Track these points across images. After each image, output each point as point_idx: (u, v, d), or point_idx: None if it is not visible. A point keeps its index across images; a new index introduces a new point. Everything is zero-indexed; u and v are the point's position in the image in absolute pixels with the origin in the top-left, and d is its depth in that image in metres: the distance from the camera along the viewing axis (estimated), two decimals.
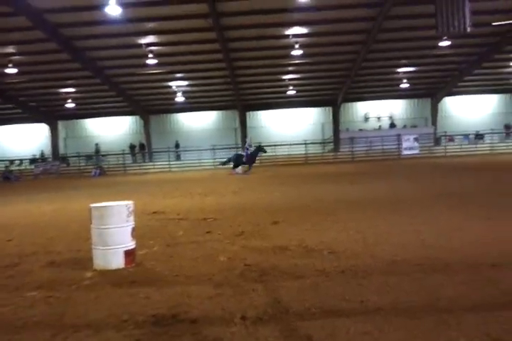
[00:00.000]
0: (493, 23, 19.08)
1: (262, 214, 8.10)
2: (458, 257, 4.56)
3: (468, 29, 14.71)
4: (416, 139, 31.66)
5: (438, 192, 10.26)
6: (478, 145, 32.26)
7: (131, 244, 4.90)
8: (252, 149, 22.32)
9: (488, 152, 30.63)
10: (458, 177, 14.04)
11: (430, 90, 33.44)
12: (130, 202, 4.98)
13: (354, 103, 34.46)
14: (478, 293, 3.51)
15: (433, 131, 33.36)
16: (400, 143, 31.65)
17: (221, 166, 23.87)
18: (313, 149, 33.59)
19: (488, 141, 32.98)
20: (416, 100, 34.51)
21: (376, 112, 34.37)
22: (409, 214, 7.32)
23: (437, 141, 33.45)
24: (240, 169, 22.64)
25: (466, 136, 33.66)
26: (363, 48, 25.02)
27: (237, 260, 4.92)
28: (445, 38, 22.66)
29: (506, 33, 24.03)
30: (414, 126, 33.64)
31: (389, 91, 33.18)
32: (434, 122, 33.93)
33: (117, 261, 4.77)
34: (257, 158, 32.41)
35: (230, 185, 15.54)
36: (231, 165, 22.68)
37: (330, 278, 4.13)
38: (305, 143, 32.95)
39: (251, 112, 34.71)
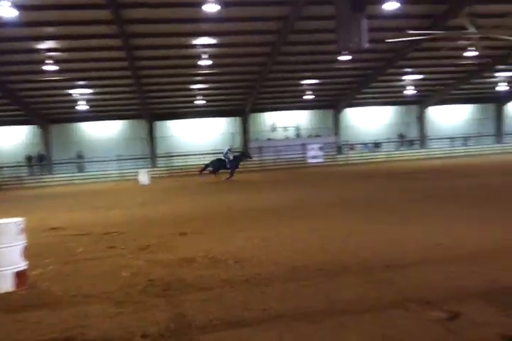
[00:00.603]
0: (387, 40, 20.58)
1: (169, 226, 7.94)
2: (355, 260, 4.80)
3: (366, 45, 15.67)
4: (320, 148, 33.12)
5: (339, 198, 10.78)
6: (376, 153, 34.54)
7: (21, 265, 4.52)
8: (230, 155, 21.49)
9: (384, 159, 32.91)
10: (357, 184, 14.88)
11: (332, 102, 35.21)
12: (20, 219, 4.60)
13: (262, 113, 35.22)
14: (373, 294, 3.71)
15: (336, 141, 35.11)
16: (305, 152, 32.89)
17: (201, 172, 21.81)
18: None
19: (385, 149, 35.43)
20: (320, 111, 36.12)
21: (283, 122, 35.46)
22: (312, 220, 7.59)
23: (340, 150, 35.26)
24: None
25: (365, 144, 35.89)
26: (269, 60, 25.75)
27: (140, 275, 4.75)
28: (345, 52, 24.02)
29: (399, 49, 26.11)
30: (319, 136, 35.17)
31: (294, 102, 34.39)
32: (336, 132, 35.74)
33: (6, 284, 4.37)
34: (167, 169, 31.98)
35: (137, 196, 15.06)
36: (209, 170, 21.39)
37: (234, 287, 4.13)
38: (215, 153, 32.99)
39: (159, 122, 34.02)
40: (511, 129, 36.65)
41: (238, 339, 3.00)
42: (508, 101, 36.90)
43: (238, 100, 33.06)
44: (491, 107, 37.74)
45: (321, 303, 3.55)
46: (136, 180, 23.66)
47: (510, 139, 36.14)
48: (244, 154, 22.59)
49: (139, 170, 24.87)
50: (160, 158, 33.60)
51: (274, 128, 35.14)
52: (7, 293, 4.31)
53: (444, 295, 3.53)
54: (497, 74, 32.06)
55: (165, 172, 31.00)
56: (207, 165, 21.80)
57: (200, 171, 21.75)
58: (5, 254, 4.40)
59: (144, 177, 23.34)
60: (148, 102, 31.36)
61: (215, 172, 21.22)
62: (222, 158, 21.60)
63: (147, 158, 33.30)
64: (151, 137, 33.72)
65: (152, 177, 23.85)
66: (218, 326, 3.24)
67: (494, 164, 21.14)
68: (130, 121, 34.09)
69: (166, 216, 9.44)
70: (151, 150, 33.62)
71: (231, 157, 21.55)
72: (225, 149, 22.27)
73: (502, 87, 33.65)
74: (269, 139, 34.73)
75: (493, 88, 34.28)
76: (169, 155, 33.18)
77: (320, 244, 5.72)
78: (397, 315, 3.21)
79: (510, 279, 3.82)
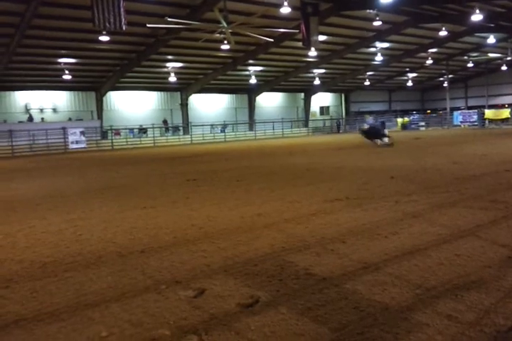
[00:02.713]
0: (148, 25, 20.54)
1: None
2: (111, 248, 4.68)
3: (124, 27, 15.33)
4: (82, 132, 31.21)
5: (101, 185, 10.37)
6: (142, 139, 34.52)
7: None
8: None
9: (151, 145, 33.19)
10: (121, 170, 14.60)
11: (95, 84, 33.49)
12: None
13: (12, 92, 31.13)
14: (125, 281, 3.66)
15: (99, 125, 33.65)
16: (66, 137, 30.54)
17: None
18: None
19: (151, 135, 35.73)
20: (81, 93, 34.00)
21: (39, 103, 32.09)
22: (70, 210, 7.08)
23: (104, 135, 33.95)
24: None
25: (131, 130, 35.47)
26: (17, 32, 22.77)
27: None
28: (104, 32, 22.96)
29: (160, 35, 26.37)
30: (80, 119, 33.13)
31: (51, 81, 31.40)
32: (99, 116, 34.26)
33: None
34: None
35: None
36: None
37: None
38: None
39: None
40: (260, 118, 41.52)
41: None
42: (258, 92, 41.55)
43: None
44: (244, 97, 41.92)
45: (68, 299, 3.33)
46: None
47: (259, 127, 40.92)
48: None
49: None
50: None
51: (28, 110, 31.50)
52: None
53: (194, 274, 3.74)
54: (249, 67, 35.64)
55: None
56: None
57: None
58: None
59: None
60: None
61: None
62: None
63: None
64: None
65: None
66: None
67: (250, 148, 23.59)
68: None
69: None
70: None
71: None
72: None
73: (253, 79, 37.60)
74: (21, 122, 30.99)
75: (247, 80, 38.03)
76: None
77: (75, 234, 5.38)
78: (148, 299, 3.25)
79: (249, 252, 4.29)
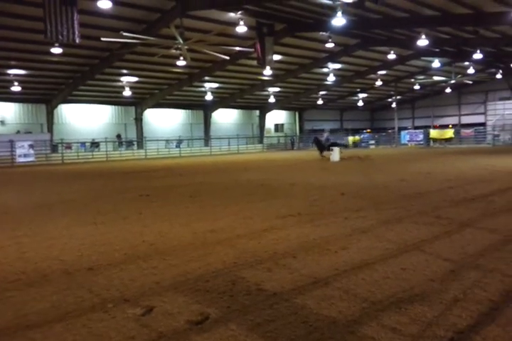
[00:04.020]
0: (103, 39, 20.30)
1: None
2: (57, 266, 4.51)
3: (77, 40, 15.08)
4: (31, 146, 30.11)
5: (49, 201, 10.01)
6: (94, 153, 33.68)
7: None
8: None
9: (104, 159, 32.43)
10: (71, 185, 14.16)
11: (45, 96, 32.54)
12: None
13: None
14: (70, 300, 3.54)
15: (49, 138, 32.59)
16: (13, 150, 29.35)
17: None
18: None
19: (103, 149, 34.93)
20: (31, 105, 32.92)
21: None
22: (13, 227, 6.79)
23: (54, 148, 32.90)
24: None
25: (82, 143, 34.57)
26: None
27: None
28: (57, 45, 22.49)
29: (115, 49, 26.08)
30: (29, 132, 32.00)
31: (0, 93, 30.35)
32: (50, 129, 33.22)
33: None
34: None
35: None
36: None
37: None
38: None
39: None
40: (216, 134, 41.60)
41: None
42: (214, 109, 41.70)
43: None
44: (200, 113, 41.93)
45: (8, 320, 3.18)
46: None
47: (215, 143, 40.95)
48: None
49: None
50: None
51: None
52: None
53: (143, 291, 3.67)
54: (205, 84, 35.77)
55: None
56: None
57: None
58: None
59: None
60: None
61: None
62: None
63: None
64: None
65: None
66: None
67: (205, 164, 23.50)
68: None
69: None
70: None
71: None
72: None
73: (209, 96, 37.72)
74: None
75: (203, 96, 38.10)
76: None
77: (19, 252, 5.16)
78: (94, 318, 3.15)
79: (201, 268, 4.26)
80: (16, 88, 29.38)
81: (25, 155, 29.41)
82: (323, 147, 24.71)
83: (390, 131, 47.34)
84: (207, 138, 41.41)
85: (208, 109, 41.40)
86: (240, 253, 4.74)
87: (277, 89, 40.36)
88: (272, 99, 42.44)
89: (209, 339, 2.79)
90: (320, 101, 46.49)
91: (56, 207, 8.88)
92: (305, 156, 27.61)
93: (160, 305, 3.31)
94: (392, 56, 30.52)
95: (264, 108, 45.62)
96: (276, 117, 48.64)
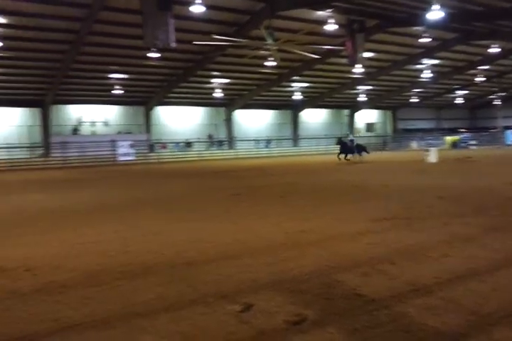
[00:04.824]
0: (195, 42, 21.17)
1: None
2: (158, 260, 4.77)
3: (173, 44, 15.83)
4: (131, 145, 32.30)
5: (147, 198, 10.64)
6: (187, 153, 35.27)
7: None
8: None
9: (196, 158, 33.83)
10: (167, 183, 14.95)
11: (143, 98, 34.70)
12: None
13: (66, 106, 32.67)
14: (172, 292, 3.72)
15: (147, 138, 34.69)
16: (115, 149, 31.67)
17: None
18: (19, 154, 30.20)
19: (196, 149, 36.45)
20: (130, 107, 35.26)
21: (90, 117, 33.50)
22: (117, 221, 7.30)
23: (151, 148, 34.96)
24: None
25: (176, 143, 36.36)
26: (72, 49, 24.00)
27: None
28: (154, 49, 23.84)
29: (207, 52, 27.09)
30: (129, 133, 34.29)
31: (103, 96, 32.81)
32: (147, 129, 35.35)
33: None
34: None
35: None
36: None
37: (23, 299, 3.70)
38: (9, 147, 29.36)
39: None
40: (304, 134, 41.49)
41: None
42: (302, 108, 41.62)
43: (37, 89, 30.00)
44: (288, 113, 42.09)
45: (118, 307, 3.42)
46: None
47: (303, 143, 40.87)
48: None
49: None
50: None
51: (80, 123, 32.91)
52: None
53: (240, 288, 3.75)
54: (293, 84, 35.85)
55: None
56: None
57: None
58: None
59: None
60: None
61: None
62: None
63: None
64: None
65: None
66: None
67: (294, 164, 23.60)
68: None
69: None
70: None
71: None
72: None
73: (297, 96, 37.74)
74: (74, 134, 32.39)
75: (290, 96, 38.23)
76: None
77: (123, 245, 5.53)
78: (196, 311, 3.28)
79: (295, 269, 4.26)
80: (118, 91, 31.62)
81: (125, 154, 31.57)
82: (351, 149, 23.09)
83: (493, 130, 43.97)
84: (295, 138, 41.46)
85: (296, 108, 41.44)
86: (333, 256, 4.67)
87: (368, 88, 39.32)
88: (362, 98, 41.44)
89: None
90: (414, 99, 44.48)
91: (153, 204, 9.41)
92: (398, 157, 26.63)
93: (257, 303, 3.36)
94: (494, 50, 28.38)
95: (354, 107, 44.68)
96: (367, 116, 47.38)
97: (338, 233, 5.83)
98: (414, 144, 43.09)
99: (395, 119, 49.33)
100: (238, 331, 2.93)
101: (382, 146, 44.27)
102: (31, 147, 31.29)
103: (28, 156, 30.75)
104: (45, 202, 10.37)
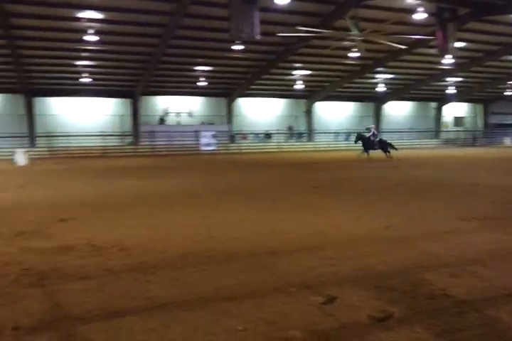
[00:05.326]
0: (278, 34, 21.18)
1: (49, 211, 7.41)
2: (242, 247, 4.91)
3: (258, 37, 15.95)
4: (213, 136, 33.27)
5: (228, 187, 10.93)
6: (267, 144, 35.63)
7: None
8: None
9: (275, 150, 34.09)
10: (248, 173, 15.22)
11: (226, 90, 35.47)
12: None
13: (154, 97, 34.28)
14: (257, 280, 3.82)
15: (228, 129, 35.51)
16: (198, 139, 32.79)
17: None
18: (112, 142, 32.29)
19: (275, 140, 36.70)
20: (213, 98, 36.21)
21: (176, 107, 34.88)
22: (202, 208, 7.59)
23: (232, 139, 35.74)
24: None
25: (256, 134, 36.83)
26: (162, 42, 25.05)
27: (13, 264, 4.36)
28: (238, 42, 24.21)
29: (290, 44, 27.03)
30: (212, 124, 35.27)
31: (188, 87, 33.99)
32: (229, 120, 36.15)
33: None
34: (49, 150, 29.49)
35: (12, 178, 13.80)
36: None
37: (118, 277, 3.98)
38: (103, 135, 31.47)
39: (39, 98, 31.40)
40: (387, 127, 40.12)
41: (119, 328, 2.90)
42: (386, 101, 40.25)
43: (129, 81, 31.74)
44: (370, 106, 40.92)
45: (206, 290, 3.57)
46: (11, 161, 21.66)
47: (386, 136, 39.55)
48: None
49: (16, 150, 22.80)
50: (40, 138, 31.07)
51: (166, 113, 34.41)
52: None
53: (322, 280, 3.76)
54: (377, 75, 34.74)
55: (45, 153, 28.73)
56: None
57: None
58: None
59: (20, 157, 21.51)
60: (27, 76, 28.71)
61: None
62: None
63: (25, 136, 30.57)
64: (30, 114, 31.01)
65: (30, 158, 21.99)
66: (98, 316, 3.10)
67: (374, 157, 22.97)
68: (6, 95, 31.00)
69: (45, 201, 8.78)
70: (29, 129, 30.88)
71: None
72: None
73: (380, 87, 36.55)
74: (160, 124, 33.95)
75: (374, 88, 37.12)
76: (50, 135, 30.80)
77: (208, 231, 5.75)
78: (279, 299, 3.34)
79: (380, 264, 4.19)
80: (202, 83, 32.57)
81: (207, 144, 32.57)
82: (372, 145, 20.71)
83: None
84: (377, 131, 40.28)
85: (379, 101, 40.20)
86: (420, 254, 4.52)
87: (458, 79, 37.08)
88: (451, 90, 39.19)
89: (393, 338, 2.73)
90: (510, 92, 41.28)
91: (235, 193, 9.64)
92: (488, 154, 24.98)
93: (341, 296, 3.36)
94: None
95: (442, 100, 42.40)
96: (456, 110, 44.73)
97: (425, 231, 5.62)
98: (508, 140, 40.12)
99: (486, 113, 46.14)
100: (321, 322, 2.95)
101: (472, 142, 41.64)
102: (122, 135, 33.30)
103: (119, 144, 32.77)
104: (137, 188, 11.02)
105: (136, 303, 3.34)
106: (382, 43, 22.13)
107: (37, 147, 29.96)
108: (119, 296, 3.48)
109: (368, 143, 20.76)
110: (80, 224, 6.30)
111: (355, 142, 21.68)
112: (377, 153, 20.53)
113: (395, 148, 20.85)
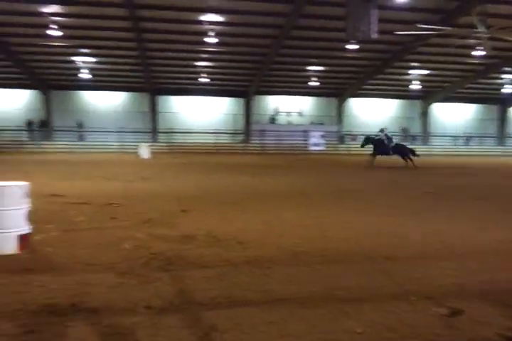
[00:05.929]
0: (396, 32, 20.36)
1: (171, 202, 7.97)
2: (355, 249, 4.85)
3: (374, 35, 15.49)
4: (322, 136, 33.12)
5: (340, 188, 10.82)
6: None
7: (25, 228, 4.54)
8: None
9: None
10: (358, 175, 14.93)
11: (337, 90, 35.04)
12: (25, 183, 4.60)
13: (266, 96, 35.03)
14: (373, 284, 3.76)
15: (338, 129, 35.07)
16: (307, 139, 32.88)
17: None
18: (224, 139, 33.70)
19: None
20: (324, 98, 35.98)
21: (286, 107, 35.30)
22: (313, 207, 7.63)
23: (341, 139, 35.23)
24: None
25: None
26: (277, 43, 25.50)
27: (142, 248, 4.78)
28: (353, 41, 23.75)
29: (408, 43, 25.88)
30: (321, 124, 35.09)
31: (299, 87, 34.19)
32: (339, 121, 35.68)
33: (10, 246, 4.40)
34: (168, 145, 31.72)
35: (139, 170, 15.06)
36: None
37: (236, 268, 4.17)
38: (217, 133, 32.97)
39: (162, 96, 33.81)
40: None
41: (241, 317, 3.04)
42: None
43: (243, 81, 32.79)
44: (494, 108, 37.68)
45: (321, 289, 3.60)
46: (135, 154, 23.62)
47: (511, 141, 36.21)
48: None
49: (140, 144, 24.81)
50: (161, 134, 33.48)
51: (277, 112, 34.96)
52: (11, 256, 4.34)
53: (445, 292, 3.58)
54: (503, 75, 31.90)
55: (165, 147, 30.87)
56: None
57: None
58: (10, 217, 4.42)
59: (144, 151, 23.34)
60: (153, 76, 31.07)
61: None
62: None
63: (148, 132, 33.14)
64: (154, 111, 33.53)
65: (152, 152, 23.79)
66: (221, 304, 3.29)
67: (496, 165, 21.21)
68: (133, 93, 33.85)
69: (167, 192, 9.46)
70: (152, 125, 33.42)
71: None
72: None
73: (507, 89, 33.51)
74: (271, 123, 34.59)
75: (499, 89, 34.17)
76: (170, 131, 33.06)
77: (320, 230, 5.77)
78: (399, 307, 3.25)
79: (509, 281, 3.88)
80: (313, 83, 32.54)
81: (316, 144, 32.49)
82: (386, 150, 17.80)
83: None
84: (502, 136, 36.96)
85: (504, 103, 36.86)
86: None
87: None
88: None
89: None
90: None
91: (344, 195, 9.53)
92: None
93: (467, 310, 3.17)
94: None
95: None
96: None
97: None
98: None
99: None
100: (445, 335, 2.82)
101: None
102: (234, 133, 34.59)
103: (231, 141, 34.09)
104: (249, 184, 11.40)
105: (254, 295, 3.47)
106: (510, 41, 20.25)
107: (158, 142, 32.31)
108: (239, 287, 3.65)
109: (381, 147, 18.20)
110: (200, 216, 6.69)
111: (363, 146, 19.13)
112: (418, 160, 18.16)
113: (417, 155, 18.28)
